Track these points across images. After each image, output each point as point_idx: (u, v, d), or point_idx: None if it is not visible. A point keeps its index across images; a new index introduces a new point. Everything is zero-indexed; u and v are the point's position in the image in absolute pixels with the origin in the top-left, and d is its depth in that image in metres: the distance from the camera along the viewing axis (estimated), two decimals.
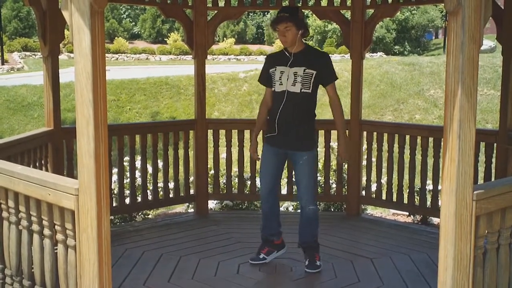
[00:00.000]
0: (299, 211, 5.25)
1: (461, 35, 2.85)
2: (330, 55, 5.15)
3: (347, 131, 4.65)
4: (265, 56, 5.00)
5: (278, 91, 4.66)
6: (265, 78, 4.82)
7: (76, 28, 2.99)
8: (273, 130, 4.71)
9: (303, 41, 4.70)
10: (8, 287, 3.95)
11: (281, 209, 7.09)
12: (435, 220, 6.50)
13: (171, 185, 6.51)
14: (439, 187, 5.96)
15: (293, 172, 5.01)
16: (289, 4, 6.56)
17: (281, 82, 4.63)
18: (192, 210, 6.98)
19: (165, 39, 39.40)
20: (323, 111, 15.98)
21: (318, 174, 6.72)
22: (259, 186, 6.55)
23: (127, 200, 6.28)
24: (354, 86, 6.31)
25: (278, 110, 4.64)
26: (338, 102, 4.75)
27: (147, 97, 17.05)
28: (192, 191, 6.58)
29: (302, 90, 4.58)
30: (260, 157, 4.92)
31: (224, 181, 6.74)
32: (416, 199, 6.23)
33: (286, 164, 5.18)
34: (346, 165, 6.67)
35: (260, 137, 5.11)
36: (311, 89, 4.61)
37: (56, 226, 3.43)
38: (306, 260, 4.87)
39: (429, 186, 6.25)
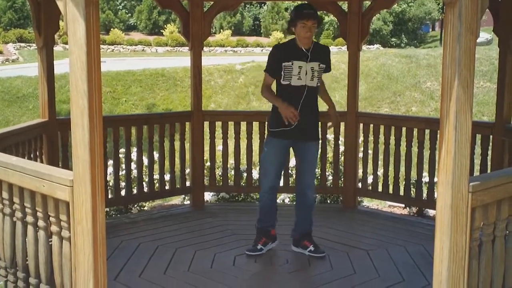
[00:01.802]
0: (294, 202, 5.29)
1: (458, 26, 2.84)
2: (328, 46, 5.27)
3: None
4: (274, 47, 5.01)
5: (295, 85, 4.77)
6: (276, 69, 4.83)
7: (70, 18, 2.96)
8: (290, 123, 4.74)
9: None
10: (2, 279, 3.94)
11: (277, 201, 7.13)
12: (431, 212, 6.51)
13: (167, 177, 6.49)
14: (435, 179, 5.94)
15: (300, 162, 5.05)
16: None
17: (299, 77, 4.75)
18: (188, 202, 6.96)
19: (161, 30, 39.25)
20: (320, 103, 15.97)
21: None
22: (255, 178, 6.58)
23: (123, 192, 6.26)
24: (351, 78, 6.29)
25: (299, 104, 4.76)
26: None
27: (143, 88, 17.00)
28: (188, 183, 6.57)
29: (317, 84, 4.85)
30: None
31: (220, 173, 6.73)
32: (412, 191, 6.22)
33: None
34: (342, 157, 6.65)
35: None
36: (320, 81, 4.92)
37: (50, 218, 3.42)
38: (310, 246, 4.97)
39: (425, 178, 6.25)
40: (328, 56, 4.94)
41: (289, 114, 4.67)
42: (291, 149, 5.08)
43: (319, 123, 5.08)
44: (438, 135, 3.07)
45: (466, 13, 2.83)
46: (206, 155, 6.66)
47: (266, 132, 5.34)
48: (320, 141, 5.07)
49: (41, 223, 3.51)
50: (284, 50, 4.87)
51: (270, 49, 5.05)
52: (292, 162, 6.76)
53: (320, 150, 6.49)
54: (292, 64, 4.74)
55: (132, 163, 6.35)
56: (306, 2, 4.89)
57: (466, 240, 3.01)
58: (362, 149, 6.58)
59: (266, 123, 5.12)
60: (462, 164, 2.92)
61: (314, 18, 4.70)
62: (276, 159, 4.94)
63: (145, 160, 6.45)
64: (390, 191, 6.30)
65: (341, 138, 6.59)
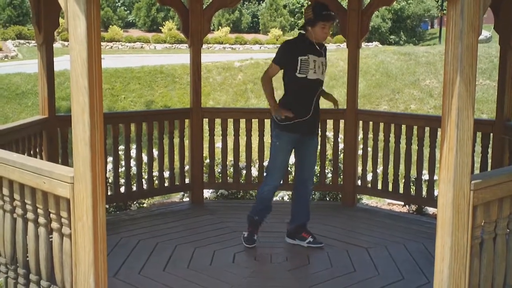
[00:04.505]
0: (292, 200, 5.31)
1: (460, 23, 2.83)
2: (325, 44, 5.31)
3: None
4: (288, 42, 5.08)
5: (311, 79, 4.89)
6: (288, 62, 4.92)
7: (71, 14, 2.96)
8: (305, 114, 4.89)
9: None
10: (3, 275, 3.93)
11: (277, 198, 7.14)
12: (430, 210, 6.50)
13: (166, 174, 6.49)
14: (435, 177, 5.96)
15: (304, 155, 5.12)
16: None
17: (315, 70, 4.89)
18: (187, 199, 6.96)
19: (160, 27, 39.22)
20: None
21: None
22: (254, 175, 6.57)
23: (122, 189, 6.24)
24: (350, 76, 6.27)
25: (314, 97, 4.93)
26: None
27: (141, 85, 16.97)
28: (187, 180, 6.56)
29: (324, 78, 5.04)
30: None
31: (220, 170, 6.72)
32: (411, 189, 6.21)
33: None
34: (342, 155, 6.65)
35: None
36: None
37: (51, 215, 3.41)
38: (309, 237, 5.10)
39: (425, 176, 6.24)
40: (326, 53, 5.13)
41: (280, 114, 4.88)
42: None
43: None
44: (439, 133, 3.07)
45: (468, 10, 2.83)
46: (205, 152, 6.65)
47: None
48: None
49: (41, 219, 3.51)
50: (300, 44, 4.95)
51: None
52: (292, 159, 6.74)
53: (319, 147, 6.54)
54: (309, 58, 4.86)
55: (132, 160, 6.34)
56: (321, 2, 4.93)
57: (467, 238, 3.00)
58: (361, 146, 6.57)
59: (274, 117, 5.03)
60: (463, 162, 2.92)
61: (334, 20, 4.90)
62: (288, 154, 5.07)
63: (145, 157, 6.44)
64: (390, 188, 6.29)
65: (341, 136, 6.58)
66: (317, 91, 4.95)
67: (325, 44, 5.13)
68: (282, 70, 4.97)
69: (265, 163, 5.99)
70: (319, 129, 5.28)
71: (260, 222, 5.18)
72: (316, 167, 6.75)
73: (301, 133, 4.95)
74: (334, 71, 17.76)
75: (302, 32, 4.98)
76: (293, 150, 5.13)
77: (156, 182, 6.40)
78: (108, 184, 6.24)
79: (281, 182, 5.20)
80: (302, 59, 4.84)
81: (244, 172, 6.75)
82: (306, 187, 5.13)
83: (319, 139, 6.42)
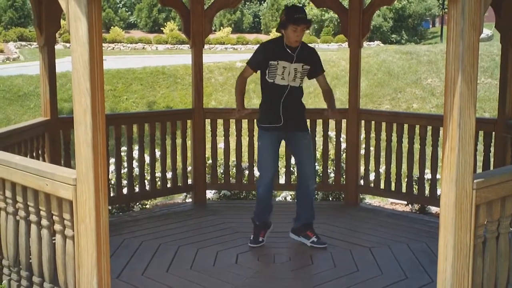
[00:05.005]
0: (295, 200, 5.31)
1: (461, 22, 2.83)
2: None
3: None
4: (263, 44, 5.21)
5: (278, 84, 4.90)
6: (259, 64, 4.95)
7: (72, 16, 2.96)
8: (277, 120, 4.94)
9: None
10: (6, 277, 3.94)
11: (280, 198, 7.15)
12: (433, 209, 6.49)
13: (168, 175, 6.49)
14: (438, 176, 5.96)
15: (297, 155, 5.16)
16: None
17: (283, 76, 4.88)
18: (190, 200, 6.95)
19: (161, 28, 39.27)
20: (320, 100, 15.94)
21: (316, 164, 6.73)
22: (257, 174, 6.57)
23: (125, 190, 6.24)
24: (352, 75, 6.27)
25: (281, 101, 4.91)
26: (331, 89, 5.20)
27: (143, 86, 16.99)
28: (190, 181, 6.56)
29: (300, 84, 4.96)
30: (244, 112, 5.17)
31: (222, 170, 6.72)
32: (414, 188, 6.21)
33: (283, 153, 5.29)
34: (344, 155, 6.65)
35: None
36: (303, 81, 5.03)
37: (54, 217, 3.42)
38: (313, 237, 5.10)
39: (428, 175, 6.23)
40: (313, 57, 5.02)
41: (235, 114, 5.19)
42: (284, 143, 5.21)
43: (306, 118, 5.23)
44: (441, 132, 3.07)
45: (469, 9, 2.83)
46: (208, 153, 6.65)
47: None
48: (309, 132, 5.24)
49: (44, 221, 3.51)
50: (272, 48, 4.97)
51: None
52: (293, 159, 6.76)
53: (322, 147, 6.55)
54: (278, 63, 4.85)
55: (134, 161, 6.34)
56: (297, 4, 4.95)
57: (470, 237, 3.00)
58: (363, 146, 6.57)
59: (256, 120, 5.26)
60: (466, 161, 2.92)
61: (306, 23, 4.79)
62: (270, 151, 5.05)
63: (147, 158, 6.44)
64: (392, 188, 6.28)
65: (343, 135, 6.58)
66: (284, 96, 4.90)
67: (316, 46, 5.13)
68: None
69: None
70: (307, 125, 5.22)
71: (264, 225, 5.19)
72: (318, 167, 6.78)
73: (281, 131, 4.98)
74: (336, 71, 17.75)
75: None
76: (289, 150, 5.18)
77: (159, 183, 6.41)
78: (110, 185, 6.25)
79: (273, 177, 5.22)
80: (271, 63, 4.85)
81: (246, 172, 6.75)
82: (308, 187, 5.12)
83: (321, 139, 6.49)
